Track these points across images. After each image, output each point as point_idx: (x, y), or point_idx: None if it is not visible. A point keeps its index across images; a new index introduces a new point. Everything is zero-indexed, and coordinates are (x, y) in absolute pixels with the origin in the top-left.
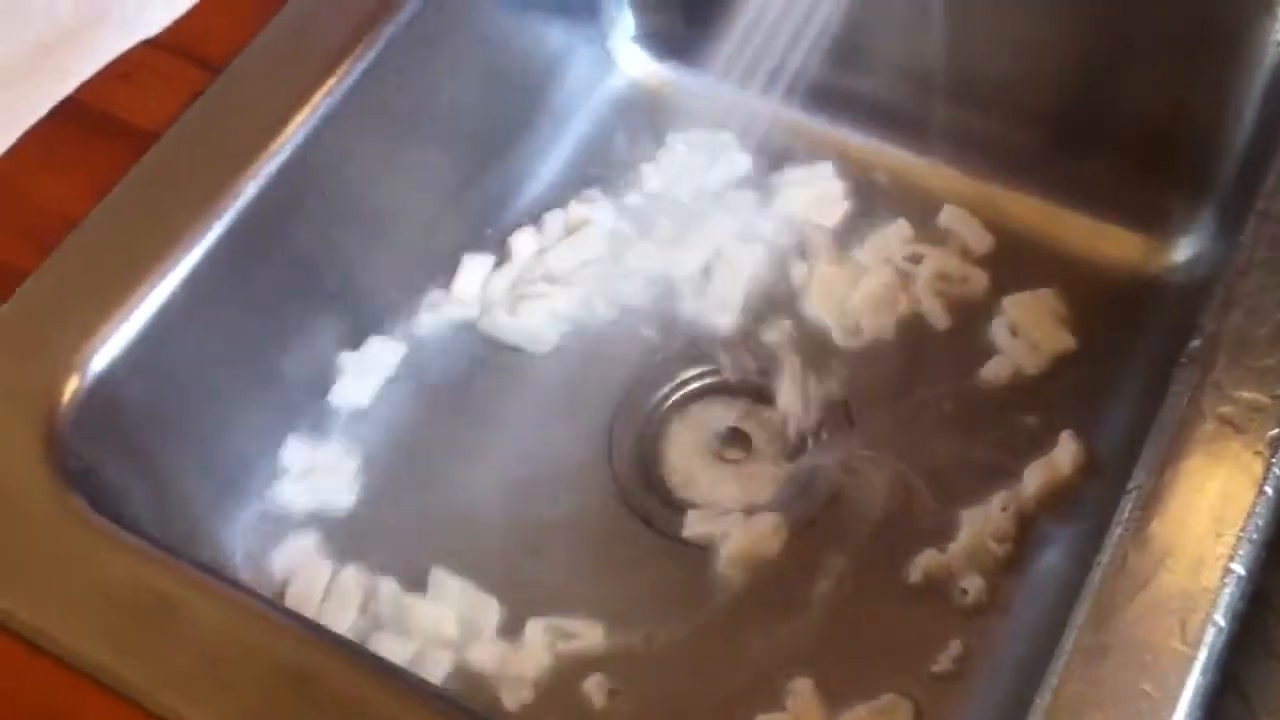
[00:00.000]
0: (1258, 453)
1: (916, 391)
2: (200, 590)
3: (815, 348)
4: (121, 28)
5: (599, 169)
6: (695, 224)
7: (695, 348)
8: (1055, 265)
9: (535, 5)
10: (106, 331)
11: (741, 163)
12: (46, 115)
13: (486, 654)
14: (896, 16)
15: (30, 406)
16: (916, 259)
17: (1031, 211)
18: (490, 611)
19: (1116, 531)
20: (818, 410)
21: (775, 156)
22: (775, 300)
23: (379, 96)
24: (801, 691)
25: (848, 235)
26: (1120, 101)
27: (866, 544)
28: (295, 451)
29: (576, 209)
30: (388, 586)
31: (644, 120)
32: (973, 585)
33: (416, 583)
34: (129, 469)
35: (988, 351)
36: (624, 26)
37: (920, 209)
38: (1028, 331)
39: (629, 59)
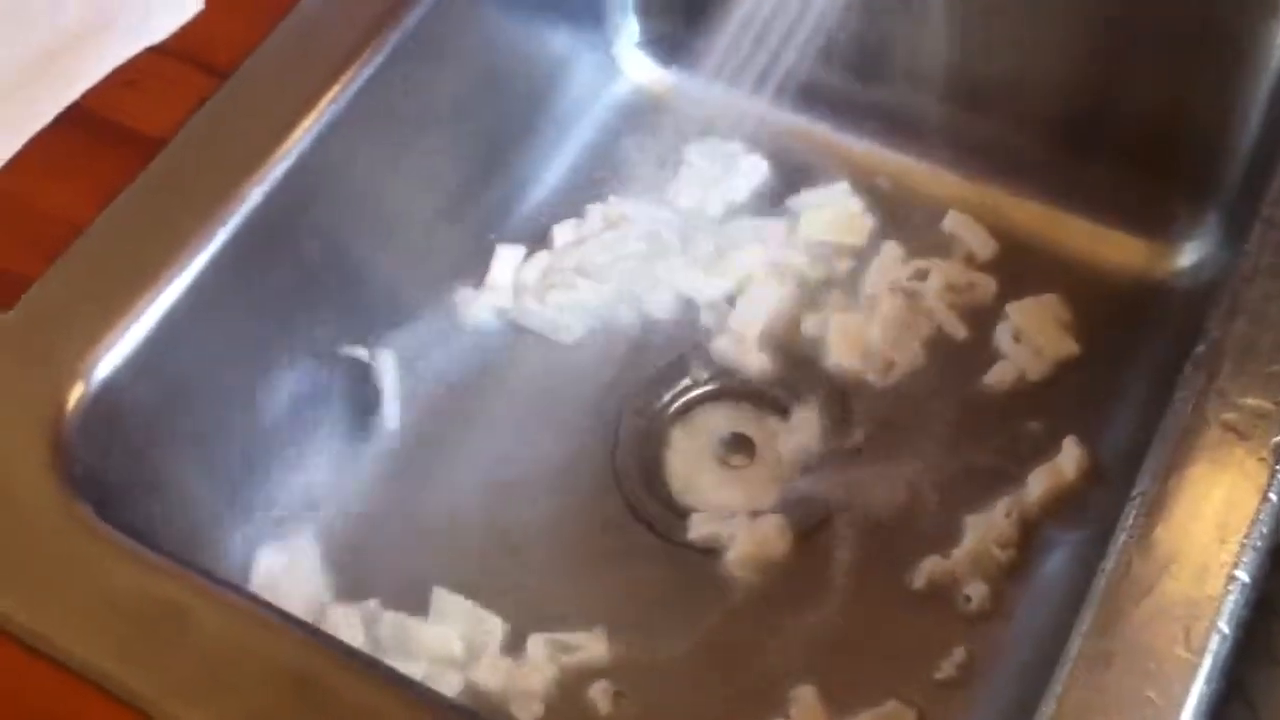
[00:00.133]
0: (1262, 459)
1: (920, 397)
2: (205, 597)
3: (847, 390)
4: (127, 34)
5: (610, 175)
6: (723, 245)
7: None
8: (1059, 271)
9: (540, 11)
10: (112, 338)
11: (758, 175)
12: (52, 122)
13: (492, 671)
14: (900, 22)
15: (35, 413)
16: (922, 275)
17: (1035, 217)
18: (493, 627)
19: (1121, 538)
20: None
21: (784, 165)
22: (798, 351)
23: (385, 102)
24: (804, 698)
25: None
26: (1124, 106)
27: (870, 550)
28: (299, 456)
29: (617, 204)
30: (389, 614)
31: (649, 126)
32: (976, 591)
33: (418, 603)
34: (134, 475)
35: (992, 357)
36: (628, 32)
37: (924, 215)
38: (1031, 337)
39: (633, 65)
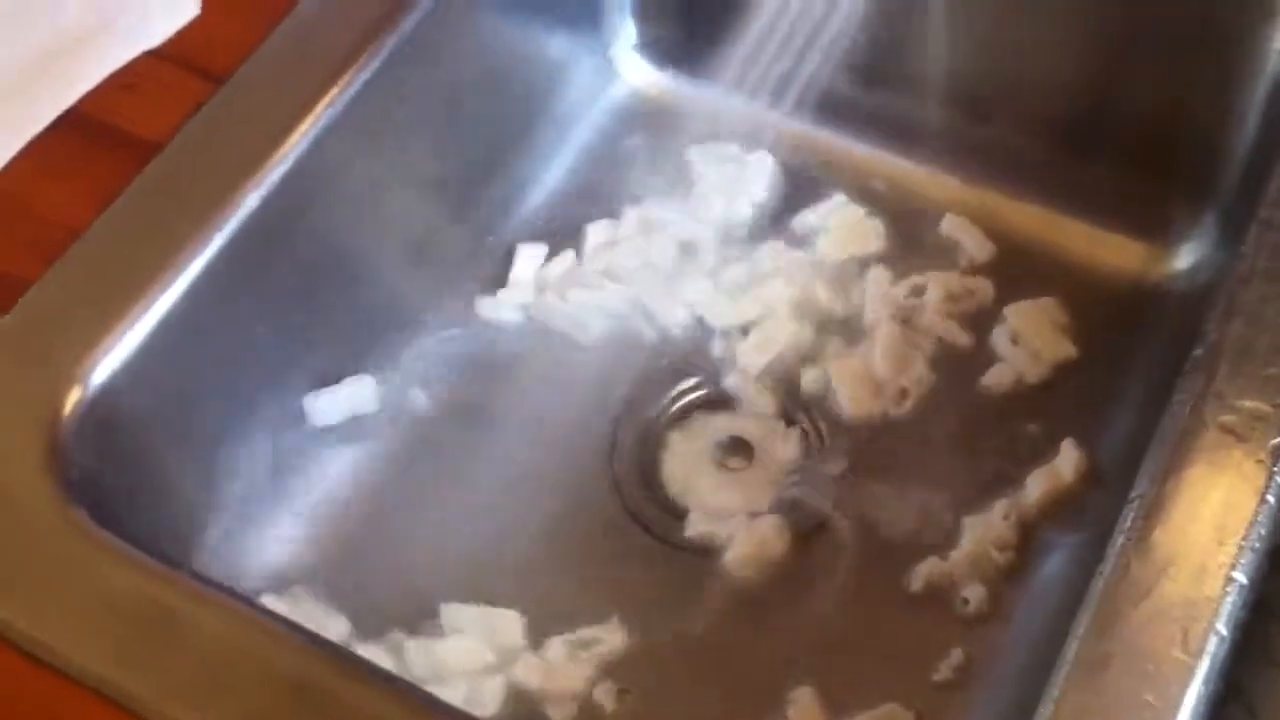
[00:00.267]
0: (1260, 461)
1: (918, 400)
2: (201, 601)
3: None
4: (124, 38)
5: (608, 177)
6: (745, 272)
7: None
8: (1056, 273)
9: (537, 15)
10: (109, 342)
11: (768, 182)
12: (49, 126)
13: (529, 669)
14: (898, 25)
15: (32, 417)
16: (919, 291)
17: (1033, 220)
18: (512, 622)
19: (1119, 540)
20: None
21: (787, 169)
22: (805, 394)
23: (382, 106)
24: (803, 699)
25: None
26: (1121, 109)
27: (868, 552)
28: (296, 461)
29: (653, 208)
30: (412, 643)
31: (647, 129)
32: (974, 594)
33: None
34: (131, 480)
35: (989, 360)
36: (626, 35)
37: (921, 218)
38: (1029, 340)
39: (631, 68)
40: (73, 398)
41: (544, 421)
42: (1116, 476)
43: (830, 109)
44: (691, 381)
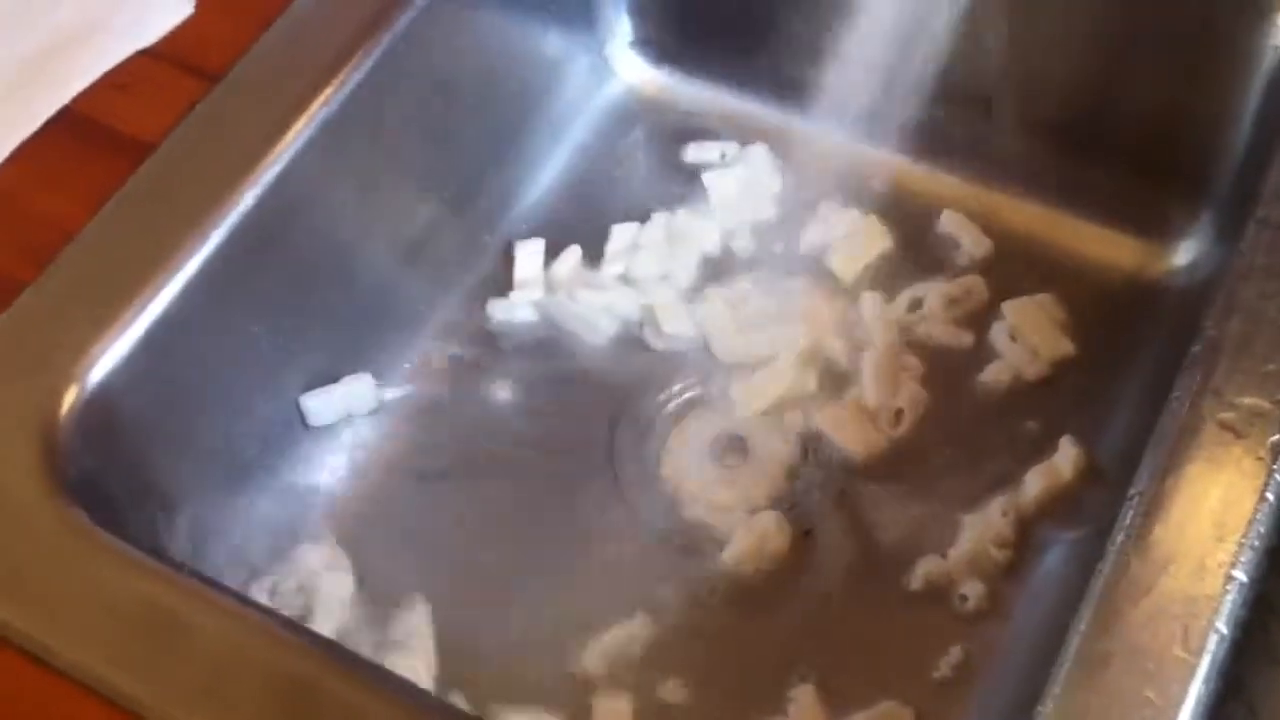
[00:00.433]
0: (1259, 458)
1: (916, 418)
2: (201, 602)
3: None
4: (118, 37)
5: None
6: (760, 310)
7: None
8: (1054, 270)
9: (532, 12)
10: (105, 342)
11: (772, 183)
12: (43, 126)
13: None
14: (894, 21)
15: (29, 418)
16: (917, 304)
17: (1030, 216)
18: None
19: (1118, 537)
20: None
21: (785, 168)
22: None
23: (376, 105)
24: (802, 698)
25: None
26: (1119, 106)
27: (867, 550)
28: (295, 460)
29: (686, 218)
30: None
31: (643, 126)
32: (973, 591)
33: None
34: (128, 480)
35: (987, 357)
36: (621, 33)
37: (919, 216)
38: (1027, 337)
39: (626, 65)
40: (69, 398)
41: (545, 419)
42: (1115, 474)
43: (827, 105)
44: (691, 379)
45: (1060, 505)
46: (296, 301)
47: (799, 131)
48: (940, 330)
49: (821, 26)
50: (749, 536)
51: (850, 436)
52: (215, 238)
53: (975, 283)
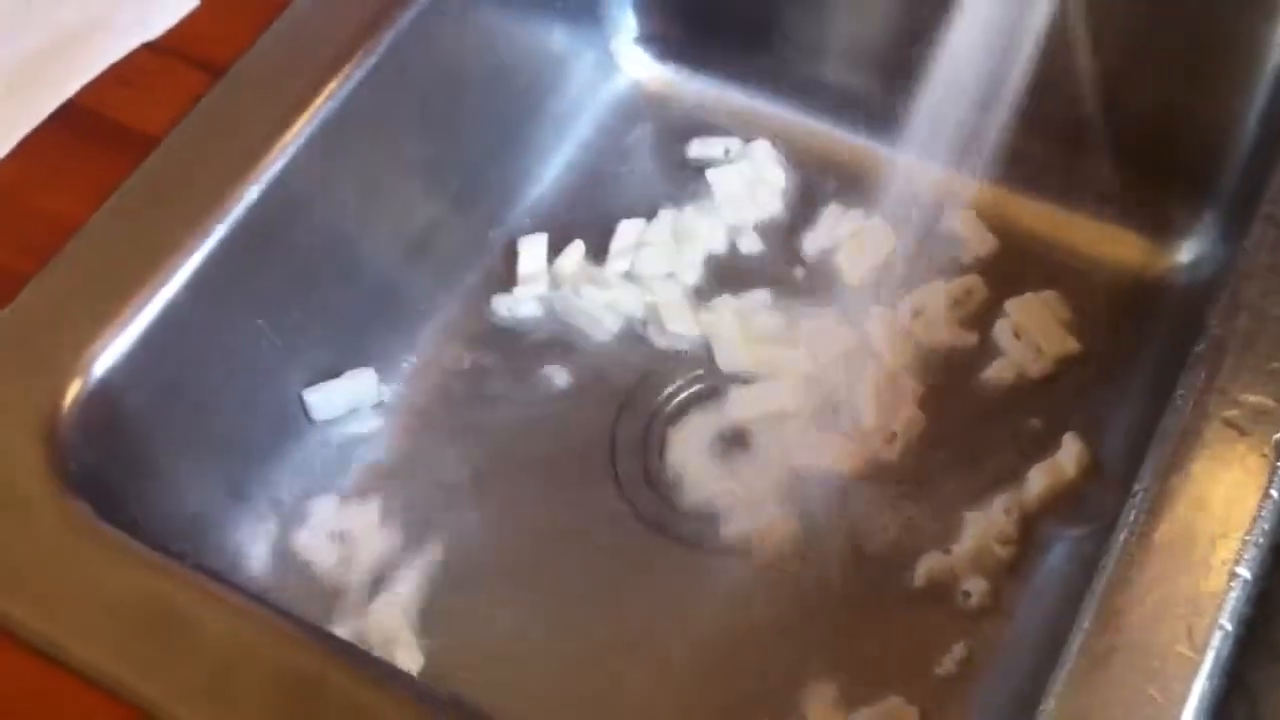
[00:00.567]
0: (1263, 456)
1: (919, 394)
2: (205, 596)
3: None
4: (122, 31)
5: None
6: (765, 326)
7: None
8: (1059, 268)
9: (537, 8)
10: (108, 336)
11: (779, 183)
12: (47, 120)
13: None
14: (898, 17)
15: (31, 413)
16: (919, 312)
17: (1035, 214)
18: None
19: (1122, 534)
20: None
21: (789, 164)
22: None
23: (380, 101)
24: (805, 694)
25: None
26: (1123, 103)
27: (870, 547)
28: (297, 454)
29: (691, 216)
30: None
31: (648, 122)
32: (977, 588)
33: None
34: (132, 474)
35: (991, 354)
36: (626, 29)
37: (923, 212)
38: (1031, 334)
39: (632, 61)
40: (72, 393)
41: (547, 415)
42: (1119, 471)
43: (830, 103)
44: (693, 377)
45: (1064, 502)
46: (299, 297)
47: (804, 127)
48: (944, 329)
49: (825, 22)
50: (751, 532)
51: (838, 458)
52: (218, 232)
53: (979, 281)
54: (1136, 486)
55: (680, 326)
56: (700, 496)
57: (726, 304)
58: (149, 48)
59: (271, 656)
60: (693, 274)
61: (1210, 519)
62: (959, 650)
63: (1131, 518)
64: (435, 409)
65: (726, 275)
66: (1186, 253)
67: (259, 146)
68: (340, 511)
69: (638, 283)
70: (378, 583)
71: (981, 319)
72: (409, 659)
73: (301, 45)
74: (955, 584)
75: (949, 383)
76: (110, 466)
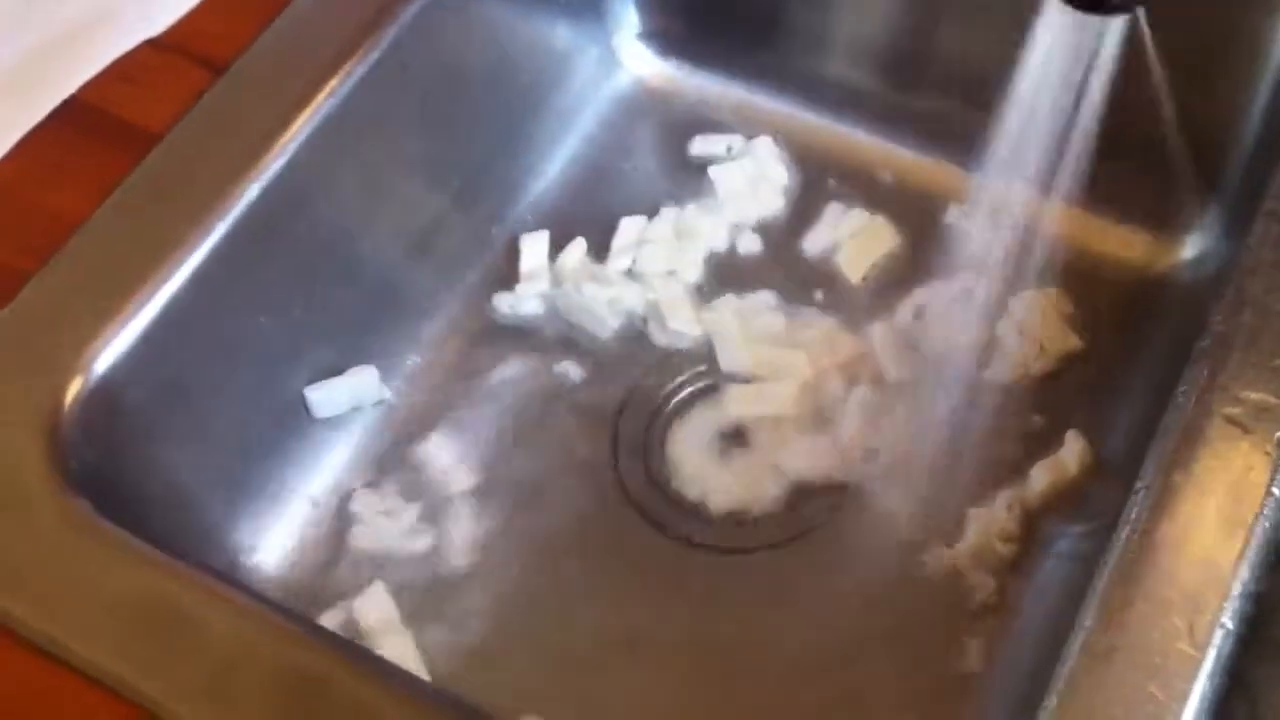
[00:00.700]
0: (1266, 453)
1: (922, 393)
2: (207, 594)
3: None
4: (125, 27)
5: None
6: (767, 330)
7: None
8: (1061, 264)
9: (539, 5)
10: (110, 333)
11: (780, 179)
12: (50, 116)
13: None
14: (900, 14)
15: (33, 411)
16: (920, 313)
17: (1036, 210)
18: None
19: (1123, 532)
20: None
21: (791, 161)
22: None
23: (382, 97)
24: (808, 693)
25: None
26: (1126, 101)
27: (873, 543)
28: (301, 454)
29: (694, 214)
30: None
31: (650, 119)
32: (979, 585)
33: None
34: (134, 472)
35: (994, 351)
36: (629, 25)
37: (926, 209)
38: (1034, 331)
39: (634, 57)
40: (74, 390)
41: (549, 412)
42: (1121, 468)
43: (833, 99)
44: (694, 374)
45: (1066, 500)
46: (301, 294)
47: (807, 124)
48: (946, 326)
49: (827, 18)
50: (751, 531)
51: (821, 466)
52: (220, 229)
53: (982, 278)
54: (1138, 484)
55: (682, 324)
56: (701, 493)
57: (728, 303)
58: (151, 44)
59: (273, 655)
60: (694, 271)
61: (1212, 517)
62: (961, 646)
63: (1133, 515)
64: (437, 407)
65: (728, 273)
66: (1189, 249)
67: (261, 143)
68: (341, 510)
69: (639, 280)
70: (377, 578)
71: (985, 316)
72: (407, 658)
73: (303, 42)
74: (958, 581)
75: (950, 379)
76: (111, 464)
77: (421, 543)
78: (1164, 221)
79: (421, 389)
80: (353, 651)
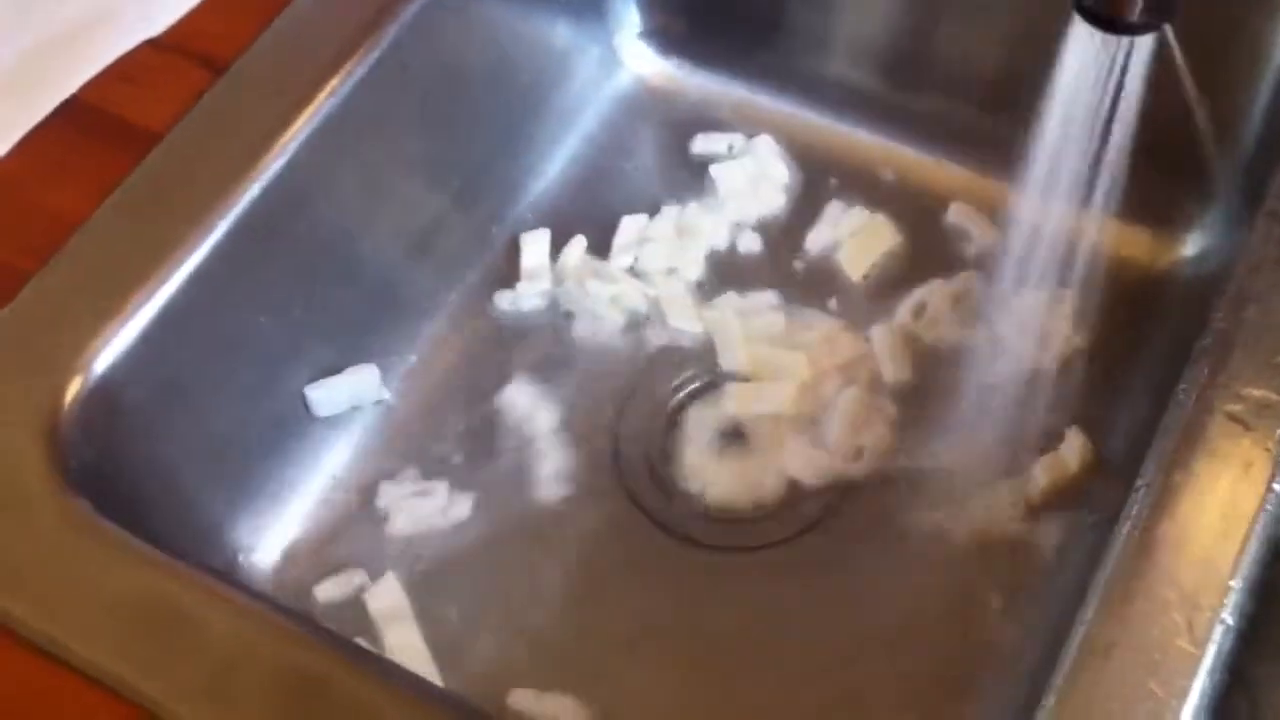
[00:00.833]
0: (1267, 450)
1: (924, 390)
2: (207, 593)
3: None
4: (125, 27)
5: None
6: (770, 330)
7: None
8: (1062, 262)
9: (540, 4)
10: (110, 333)
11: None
12: (50, 116)
13: None
14: (901, 13)
15: (33, 410)
16: (920, 311)
17: (1037, 208)
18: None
19: (1124, 528)
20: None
21: (793, 160)
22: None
23: (382, 97)
24: (810, 693)
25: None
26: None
27: (874, 540)
28: (301, 453)
29: (695, 212)
30: None
31: (651, 118)
32: (979, 583)
33: None
34: (133, 470)
35: (994, 348)
36: (630, 24)
37: (927, 207)
38: (1034, 329)
39: (635, 56)
40: (73, 389)
41: (550, 409)
42: (1122, 465)
43: (835, 98)
44: (695, 371)
45: (1067, 497)
46: (302, 293)
47: (808, 123)
48: (947, 324)
49: (829, 17)
50: (751, 530)
51: (802, 467)
52: (220, 229)
53: (983, 276)
54: (1139, 481)
55: (683, 322)
56: (701, 491)
57: (729, 302)
58: (152, 44)
59: (273, 655)
60: (695, 269)
61: (1213, 514)
62: (961, 645)
63: (1134, 512)
64: (438, 405)
65: (729, 271)
66: (1191, 247)
67: (261, 143)
68: (341, 508)
69: (641, 278)
70: (376, 575)
71: (986, 314)
72: (406, 656)
73: (304, 42)
74: (958, 579)
75: (952, 377)
76: (111, 464)
77: (419, 541)
78: (1166, 219)
79: (422, 388)
80: (353, 651)
